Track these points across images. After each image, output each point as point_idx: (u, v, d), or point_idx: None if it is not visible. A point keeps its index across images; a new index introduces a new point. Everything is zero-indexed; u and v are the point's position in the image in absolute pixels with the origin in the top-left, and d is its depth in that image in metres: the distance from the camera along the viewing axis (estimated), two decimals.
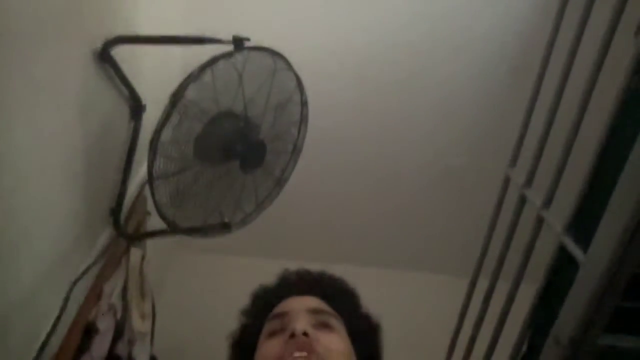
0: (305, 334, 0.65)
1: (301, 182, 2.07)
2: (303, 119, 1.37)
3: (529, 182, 0.97)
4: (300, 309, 0.72)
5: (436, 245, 2.46)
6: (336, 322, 0.73)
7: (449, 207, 2.39)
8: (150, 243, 1.67)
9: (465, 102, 2.16)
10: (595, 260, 0.76)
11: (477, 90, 2.14)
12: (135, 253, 1.36)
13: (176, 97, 1.03)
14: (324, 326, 0.70)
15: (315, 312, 0.72)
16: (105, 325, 1.12)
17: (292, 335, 0.65)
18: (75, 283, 0.98)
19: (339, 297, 0.79)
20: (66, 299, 0.94)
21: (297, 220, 2.41)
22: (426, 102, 2.17)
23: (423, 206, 2.40)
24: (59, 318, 0.91)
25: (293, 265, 2.49)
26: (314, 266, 2.48)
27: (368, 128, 2.23)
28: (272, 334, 0.71)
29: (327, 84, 2.07)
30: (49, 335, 0.88)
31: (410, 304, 2.26)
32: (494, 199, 1.12)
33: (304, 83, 1.33)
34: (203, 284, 2.30)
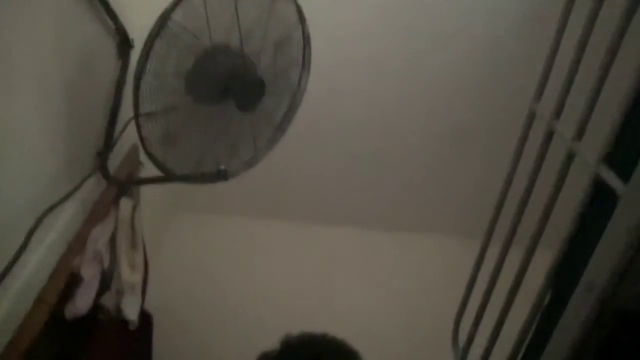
0: None
1: (304, 137, 1.97)
2: (305, 59, 1.26)
3: (557, 114, 0.87)
4: None
5: (448, 206, 2.37)
6: None
7: (463, 163, 2.28)
8: (145, 199, 1.59)
9: (479, 50, 2.04)
10: (637, 191, 0.66)
11: (493, 36, 2.01)
12: (125, 202, 1.27)
13: (163, 18, 0.93)
14: None
15: None
16: (90, 274, 1.04)
17: None
18: (44, 215, 0.89)
19: None
20: (29, 234, 0.85)
21: (299, 179, 2.33)
22: (436, 49, 2.05)
23: (435, 163, 2.30)
24: (22, 248, 0.83)
25: (295, 227, 2.41)
26: (318, 228, 2.41)
27: (374, 88, 2.12)
28: None
29: (333, 36, 1.95)
30: (9, 267, 0.80)
31: (420, 267, 2.20)
32: (509, 153, 1.03)
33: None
34: (200, 243, 2.24)
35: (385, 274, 2.15)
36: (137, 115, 0.98)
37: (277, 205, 2.39)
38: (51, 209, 0.91)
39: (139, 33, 1.25)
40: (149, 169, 1.26)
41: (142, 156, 1.25)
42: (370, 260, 2.24)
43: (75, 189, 1.02)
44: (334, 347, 0.86)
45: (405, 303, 2.01)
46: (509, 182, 1.02)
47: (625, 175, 0.71)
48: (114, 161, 1.29)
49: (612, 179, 0.70)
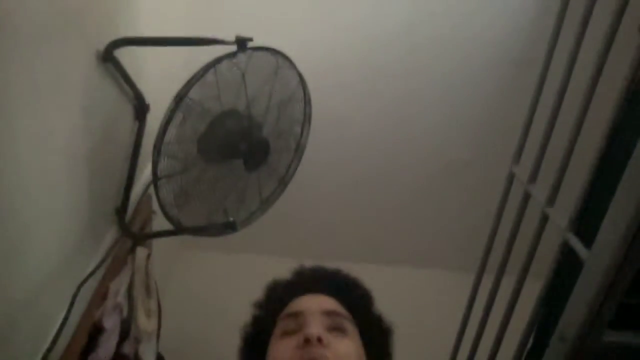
0: (319, 339, 0.65)
1: (305, 179, 2.07)
2: (306, 116, 1.37)
3: (533, 178, 0.97)
4: (315, 310, 0.72)
5: (440, 242, 2.46)
6: (349, 325, 0.73)
7: (453, 203, 2.38)
8: (155, 242, 1.68)
9: (468, 96, 2.15)
10: (599, 257, 0.76)
11: (481, 84, 2.13)
12: (141, 252, 1.36)
13: (180, 97, 1.04)
14: (338, 330, 0.71)
15: (329, 314, 0.72)
16: (112, 324, 1.13)
17: (307, 340, 0.65)
18: (82, 283, 0.98)
19: (353, 297, 0.79)
20: (72, 301, 0.94)
21: (301, 217, 2.42)
22: (429, 97, 2.17)
23: (427, 202, 2.40)
24: (65, 321, 0.92)
25: (296, 263, 2.50)
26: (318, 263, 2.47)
27: (370, 124, 2.23)
28: (286, 334, 0.71)
29: (329, 81, 2.07)
30: (56, 338, 0.89)
31: (415, 301, 2.26)
32: (498, 194, 1.12)
33: (307, 81, 1.33)
34: (209, 282, 2.30)
35: (385, 309, 2.22)
36: (155, 180, 1.08)
37: (280, 243, 2.48)
38: (86, 279, 1.00)
39: (154, 97, 1.37)
40: (160, 216, 1.34)
41: (154, 205, 1.35)
42: (374, 294, 2.30)
43: (105, 257, 1.11)
44: (349, 280, 0.83)
45: (401, 336, 2.08)
46: (493, 235, 1.12)
47: (593, 237, 0.81)
48: (128, 211, 1.39)
49: (577, 246, 0.80)
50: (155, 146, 1.05)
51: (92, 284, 1.16)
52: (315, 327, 0.67)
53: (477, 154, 2.27)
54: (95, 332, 1.13)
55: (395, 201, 2.41)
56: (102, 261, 1.09)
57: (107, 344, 1.10)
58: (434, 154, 2.29)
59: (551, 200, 0.90)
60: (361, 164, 2.33)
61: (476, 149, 2.26)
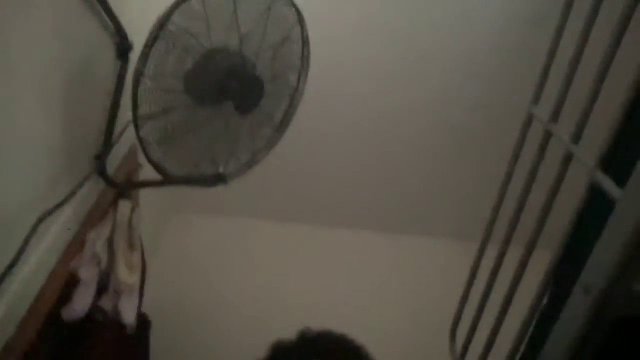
0: None
1: (302, 138, 1.98)
2: (304, 58, 1.26)
3: (555, 117, 0.87)
4: None
5: (448, 209, 2.38)
6: None
7: (461, 169, 2.29)
8: (144, 203, 1.59)
9: (479, 54, 2.05)
10: (633, 196, 0.67)
11: (491, 42, 2.02)
12: (123, 204, 1.27)
13: (163, 20, 0.93)
14: None
15: None
16: (88, 276, 1.04)
17: None
18: (43, 217, 0.89)
19: None
20: (27, 238, 0.85)
21: (297, 181, 2.33)
22: (438, 55, 2.06)
23: (433, 167, 2.31)
24: (21, 252, 0.83)
25: (294, 229, 2.41)
26: (316, 230, 2.42)
27: (375, 83, 2.12)
28: None
29: (332, 37, 1.96)
30: (7, 270, 0.79)
31: (421, 269, 2.20)
32: (507, 156, 1.04)
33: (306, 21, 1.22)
34: (198, 245, 2.24)
35: (383, 277, 2.15)
36: (136, 117, 0.98)
37: (275, 207, 2.39)
38: (50, 212, 0.91)
39: (138, 34, 1.26)
40: (147, 171, 1.26)
41: (141, 158, 1.25)
42: (368, 262, 2.24)
43: (74, 192, 1.03)
44: (352, 349, 0.84)
45: (403, 305, 2.02)
46: (507, 184, 1.03)
47: (623, 178, 0.72)
48: (113, 162, 1.29)
49: (608, 185, 0.71)
50: (134, 78, 0.94)
51: (68, 233, 1.07)
52: None
53: (484, 119, 2.17)
54: (71, 283, 1.04)
55: (399, 166, 2.32)
56: (69, 196, 0.99)
57: (83, 296, 1.02)
58: (440, 117, 2.19)
59: (577, 137, 0.81)
60: (364, 125, 2.23)
61: (483, 114, 2.16)
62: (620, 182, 0.72)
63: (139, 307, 1.27)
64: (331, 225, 2.35)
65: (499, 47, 2.02)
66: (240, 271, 2.09)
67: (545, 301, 0.90)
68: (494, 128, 2.08)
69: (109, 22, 1.18)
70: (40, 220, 0.88)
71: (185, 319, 1.86)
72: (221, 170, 1.24)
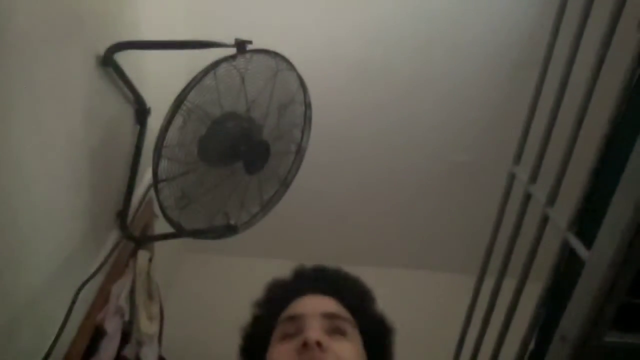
0: (318, 343, 0.64)
1: (306, 182, 2.07)
2: (307, 120, 1.37)
3: (533, 179, 0.97)
4: (315, 312, 0.71)
5: (442, 244, 2.45)
6: (350, 327, 0.72)
7: (454, 205, 2.38)
8: (157, 245, 1.68)
9: (468, 98, 2.16)
10: (599, 257, 0.75)
11: (480, 86, 2.13)
12: (142, 255, 1.37)
13: (180, 100, 1.04)
14: (338, 332, 0.70)
15: (329, 316, 0.71)
16: (113, 328, 1.13)
17: (305, 344, 0.64)
18: (81, 287, 0.98)
19: (354, 297, 0.78)
20: (72, 303, 0.94)
21: (303, 220, 2.42)
22: (429, 100, 2.17)
23: (428, 204, 2.40)
24: (65, 322, 0.92)
25: (306, 264, 2.47)
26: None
27: (371, 127, 2.23)
28: (285, 337, 0.70)
29: (329, 82, 2.07)
30: (56, 340, 0.89)
31: (416, 303, 2.26)
32: (499, 195, 1.12)
33: (307, 82, 1.33)
34: (210, 285, 2.31)
35: (385, 310, 2.21)
36: (156, 183, 1.08)
37: (282, 246, 2.47)
38: (87, 280, 1.00)
39: (154, 101, 1.38)
40: (162, 220, 1.35)
41: (156, 208, 1.35)
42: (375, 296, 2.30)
43: (107, 257, 1.11)
44: (349, 280, 0.82)
45: (403, 338, 2.07)
46: (494, 237, 1.12)
47: (593, 238, 0.80)
48: (129, 213, 1.39)
49: (578, 246, 0.79)
50: (155, 148, 1.05)
51: (94, 287, 1.16)
52: (314, 331, 0.66)
53: (478, 156, 2.27)
54: (97, 335, 1.13)
55: (396, 203, 2.41)
56: (103, 264, 1.09)
57: (109, 347, 1.11)
58: (434, 157, 2.29)
59: (551, 200, 0.90)
60: (362, 167, 2.33)
61: (477, 150, 2.26)
62: (590, 242, 0.81)
63: (159, 353, 1.35)
64: (335, 261, 2.41)
65: (495, 90, 2.13)
66: (249, 309, 2.16)
67: (532, 347, 0.98)
68: (491, 164, 2.17)
69: (128, 91, 1.30)
70: (80, 289, 0.97)
71: (198, 357, 1.93)
72: (232, 222, 1.34)
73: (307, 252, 2.45)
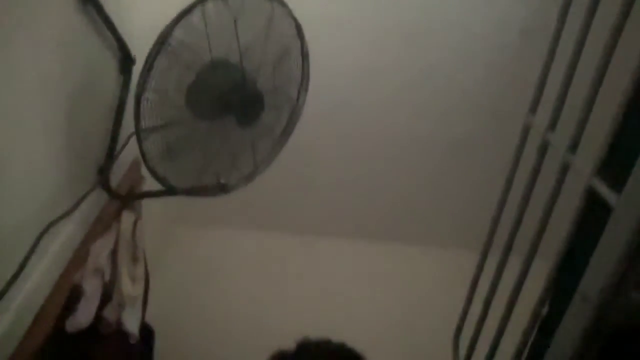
0: None
1: (304, 151, 1.99)
2: (304, 72, 1.28)
3: (552, 127, 0.88)
4: None
5: (449, 220, 2.38)
6: None
7: (461, 180, 2.30)
8: (147, 215, 1.60)
9: (475, 68, 2.07)
10: (630, 202, 0.67)
11: (487, 55, 2.04)
12: (127, 216, 1.28)
13: (164, 36, 0.95)
14: None
15: None
16: (92, 287, 1.05)
17: None
18: (46, 229, 0.90)
19: None
20: (30, 250, 0.86)
21: (297, 192, 2.34)
22: (436, 63, 2.08)
23: (433, 178, 2.32)
24: (23, 264, 0.84)
25: (294, 239, 2.42)
26: (317, 240, 2.42)
27: (373, 92, 2.14)
28: None
29: (332, 49, 1.98)
30: (10, 282, 0.80)
31: (422, 279, 2.20)
32: (506, 165, 1.05)
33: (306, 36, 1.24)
34: (200, 256, 2.25)
35: (384, 286, 2.15)
36: (138, 131, 0.99)
37: (276, 218, 2.40)
38: (53, 223, 0.92)
39: (140, 49, 1.28)
40: (150, 183, 1.27)
41: (144, 170, 1.27)
42: (368, 272, 2.24)
43: (77, 204, 1.04)
44: (351, 357, 0.84)
45: (405, 315, 2.01)
46: (506, 193, 1.03)
47: (619, 186, 0.72)
48: (116, 175, 1.31)
49: (605, 191, 0.71)
50: (136, 92, 0.96)
51: (72, 244, 1.08)
52: None
53: (483, 129, 2.18)
54: (74, 295, 1.05)
55: (399, 174, 2.33)
56: (74, 207, 1.01)
57: (87, 308, 1.03)
58: (440, 129, 2.20)
59: (574, 147, 0.81)
60: (363, 135, 2.24)
61: (482, 124, 2.17)
62: (617, 189, 0.73)
63: (142, 318, 1.28)
64: (332, 235, 2.35)
65: (499, 57, 2.04)
66: (242, 281, 2.10)
67: (545, 310, 0.90)
68: (495, 137, 2.09)
69: (112, 38, 1.20)
70: (43, 233, 0.89)
71: (188, 328, 1.86)
72: (223, 180, 1.25)
73: (303, 225, 2.39)
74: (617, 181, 0.73)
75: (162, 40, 0.95)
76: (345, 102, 2.15)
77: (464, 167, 2.27)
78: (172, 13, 1.37)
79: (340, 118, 2.18)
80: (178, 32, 0.97)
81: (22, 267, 0.82)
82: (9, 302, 0.85)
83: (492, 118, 2.12)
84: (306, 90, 1.29)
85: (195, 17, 1.00)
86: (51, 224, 0.92)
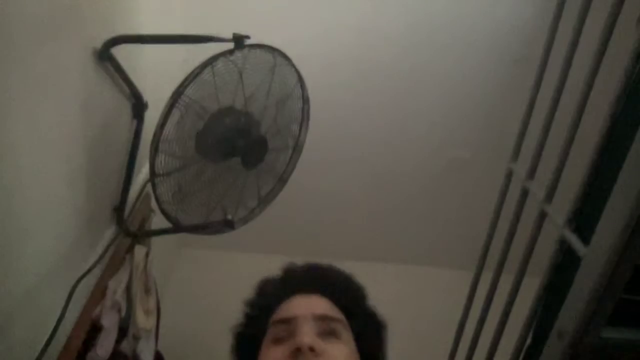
0: (311, 348, 0.63)
1: (303, 177, 2.06)
2: (304, 115, 1.37)
3: (530, 175, 0.97)
4: (307, 315, 0.70)
5: (439, 240, 2.46)
6: (343, 328, 0.71)
7: (452, 201, 2.39)
8: (154, 240, 1.68)
9: (466, 94, 2.16)
10: (596, 253, 0.75)
11: (479, 82, 2.13)
12: (139, 250, 1.36)
13: (177, 94, 1.04)
14: (331, 334, 0.69)
15: (322, 318, 0.70)
16: (110, 322, 1.13)
17: (298, 349, 0.63)
18: (78, 282, 0.98)
19: (346, 296, 0.77)
20: (69, 297, 0.94)
21: (300, 216, 2.42)
22: (427, 96, 2.17)
23: (425, 200, 2.40)
24: (62, 316, 0.92)
25: (297, 262, 2.48)
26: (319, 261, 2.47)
27: (369, 123, 2.23)
28: (277, 341, 0.69)
29: (328, 78, 2.07)
30: (52, 334, 0.88)
31: (414, 299, 2.27)
32: (496, 192, 1.12)
33: (305, 79, 1.33)
34: (207, 280, 2.31)
35: (379, 306, 2.22)
36: (152, 178, 1.07)
37: (279, 241, 2.47)
38: (84, 275, 1.00)
39: (151, 95, 1.37)
40: (159, 215, 1.34)
41: (154, 204, 1.34)
42: (373, 292, 2.31)
43: (104, 252, 1.11)
44: (341, 277, 0.81)
45: (400, 333, 2.08)
46: (490, 237, 1.11)
47: (590, 234, 0.80)
48: (127, 208, 1.38)
49: (575, 242, 0.79)
50: (152, 143, 1.05)
51: (90, 282, 1.15)
52: (307, 336, 0.65)
53: (476, 152, 2.27)
54: (93, 331, 1.13)
55: (394, 200, 2.41)
56: (100, 258, 1.09)
57: (106, 342, 1.10)
58: (432, 153, 2.29)
59: (549, 197, 0.90)
60: (359, 164, 2.33)
61: (475, 147, 2.26)
62: (587, 240, 0.81)
63: (155, 348, 1.35)
64: (332, 257, 2.41)
65: (494, 86, 2.13)
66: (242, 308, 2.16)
67: (529, 344, 0.98)
68: (489, 161, 2.17)
69: (125, 86, 1.29)
70: (77, 284, 0.97)
71: (195, 352, 1.93)
72: (229, 217, 1.33)
73: (304, 247, 2.46)
74: (590, 227, 0.81)
75: (176, 98, 1.03)
76: (341, 135, 2.23)
77: (459, 190, 2.35)
78: (177, 62, 1.47)
79: (338, 147, 2.27)
80: (190, 90, 1.06)
81: (59, 320, 0.90)
82: (35, 343, 0.93)
83: (487, 143, 2.21)
84: (307, 132, 1.38)
85: (206, 73, 1.09)
86: (82, 277, 0.99)
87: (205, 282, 2.29)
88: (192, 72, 1.05)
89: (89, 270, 1.01)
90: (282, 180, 1.42)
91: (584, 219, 0.87)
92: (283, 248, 2.45)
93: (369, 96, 2.17)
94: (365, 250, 2.47)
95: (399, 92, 2.16)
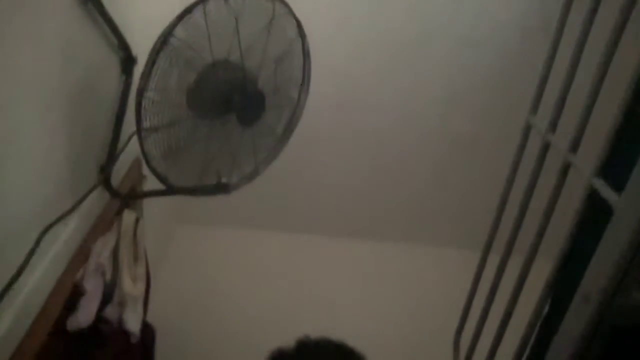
0: None
1: (305, 150, 2.00)
2: (305, 71, 1.28)
3: (553, 127, 0.88)
4: None
5: (449, 219, 2.38)
6: None
7: (462, 179, 2.30)
8: (149, 214, 1.60)
9: (477, 66, 2.06)
10: (630, 202, 0.67)
11: (489, 51, 2.04)
12: (128, 215, 1.29)
13: (165, 35, 0.95)
14: None
15: None
16: (93, 286, 1.05)
17: None
18: (47, 228, 0.90)
19: None
20: (36, 244, 0.86)
21: (298, 191, 2.34)
22: (437, 64, 2.07)
23: (435, 176, 2.32)
24: (25, 263, 0.83)
25: (296, 238, 2.42)
26: (318, 240, 2.42)
27: (374, 94, 2.14)
28: None
29: (332, 47, 1.98)
30: (11, 282, 0.80)
31: (424, 278, 2.20)
32: (508, 165, 1.04)
33: (307, 35, 1.24)
34: (203, 256, 2.25)
35: (385, 285, 2.15)
36: (139, 130, 0.99)
37: (277, 217, 2.40)
38: (54, 222, 0.92)
39: (142, 49, 1.28)
40: (152, 182, 1.27)
41: (145, 169, 1.27)
42: (370, 271, 2.24)
43: (78, 202, 1.04)
44: (350, 356, 0.83)
45: (406, 314, 2.01)
46: (506, 194, 1.03)
47: (620, 186, 0.72)
48: (118, 174, 1.31)
49: (606, 191, 0.71)
50: (137, 91, 0.96)
51: (74, 243, 1.08)
52: None
53: (485, 128, 2.18)
54: (76, 294, 1.05)
55: (400, 175, 2.33)
56: (73, 208, 1.01)
57: (88, 307, 1.03)
58: (443, 125, 2.20)
59: (574, 147, 0.81)
60: (364, 136, 2.24)
61: (484, 123, 2.17)
62: (618, 189, 0.73)
63: (144, 317, 1.28)
64: (333, 234, 2.35)
65: (502, 56, 2.04)
66: (243, 280, 2.10)
67: (546, 310, 0.90)
68: (497, 136, 2.09)
69: (113, 38, 1.21)
70: (45, 232, 0.89)
71: (190, 327, 1.86)
72: (224, 180, 1.25)
73: (302, 224, 2.39)
74: (618, 182, 0.73)
75: (164, 39, 0.95)
76: (348, 101, 2.15)
77: (466, 166, 2.27)
78: (174, 13, 1.38)
79: (342, 117, 2.18)
80: (179, 31, 0.97)
81: (22, 267, 0.82)
82: (10, 302, 0.85)
83: (496, 116, 2.12)
84: (307, 89, 1.29)
85: (197, 16, 1.00)
86: (51, 225, 0.92)
87: (201, 258, 2.23)
88: (183, 11, 0.96)
89: (60, 217, 0.93)
90: (281, 142, 1.33)
91: (614, 172, 0.79)
92: (280, 225, 2.38)
93: (374, 66, 2.08)
94: (368, 228, 2.39)
95: (405, 60, 2.07)
